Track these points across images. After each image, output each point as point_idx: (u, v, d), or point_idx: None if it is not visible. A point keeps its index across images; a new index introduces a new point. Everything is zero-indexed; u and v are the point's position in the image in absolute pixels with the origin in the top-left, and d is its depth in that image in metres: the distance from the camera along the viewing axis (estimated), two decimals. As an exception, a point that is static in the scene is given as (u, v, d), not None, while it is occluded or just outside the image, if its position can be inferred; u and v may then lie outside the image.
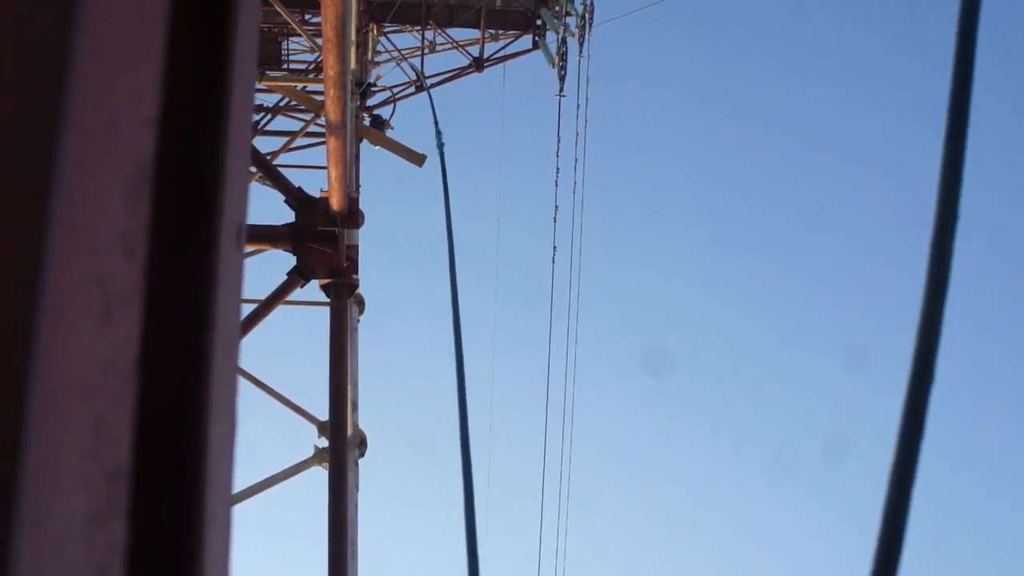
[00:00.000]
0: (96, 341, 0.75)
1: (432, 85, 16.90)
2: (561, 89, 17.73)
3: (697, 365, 40.60)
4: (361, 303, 10.44)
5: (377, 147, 13.22)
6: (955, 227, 1.88)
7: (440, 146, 11.70)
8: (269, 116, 15.77)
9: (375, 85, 15.99)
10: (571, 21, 17.84)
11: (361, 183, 12.79)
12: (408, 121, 16.04)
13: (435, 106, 13.18)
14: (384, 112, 15.67)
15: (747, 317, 38.62)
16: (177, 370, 0.99)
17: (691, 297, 39.87)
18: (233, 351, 1.21)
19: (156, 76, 0.88)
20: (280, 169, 10.17)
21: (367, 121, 14.69)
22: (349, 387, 9.20)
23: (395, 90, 16.54)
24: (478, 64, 17.32)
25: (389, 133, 14.49)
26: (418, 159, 13.69)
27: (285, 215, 8.63)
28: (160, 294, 0.97)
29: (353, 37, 11.15)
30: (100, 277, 0.75)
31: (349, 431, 9.25)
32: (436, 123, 12.38)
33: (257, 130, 15.46)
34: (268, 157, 12.41)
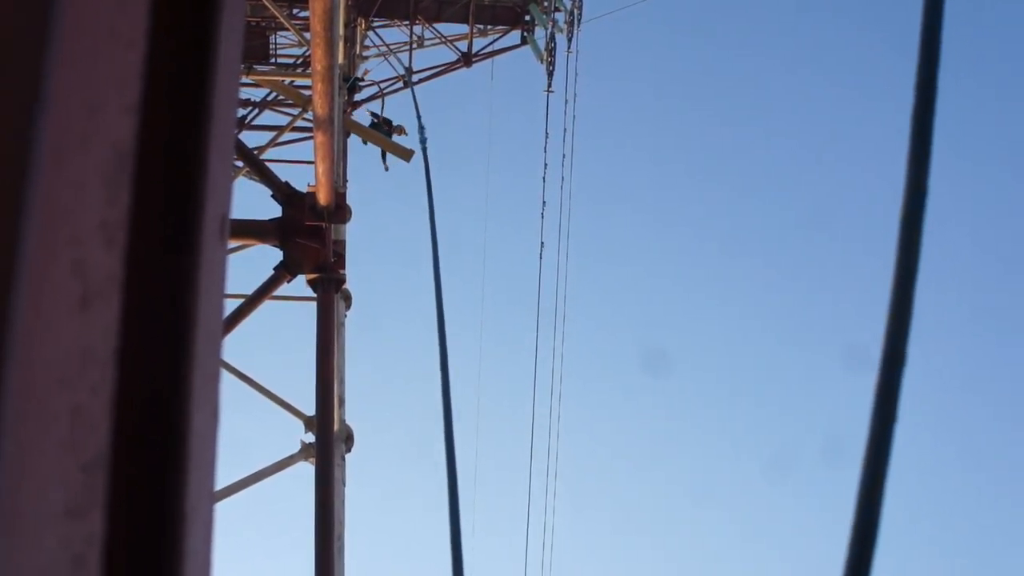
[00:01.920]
0: (74, 330, 0.74)
1: (420, 80, 16.88)
2: (549, 85, 17.73)
3: (695, 364, 40.53)
4: (348, 298, 10.43)
5: (366, 142, 13.22)
6: (923, 217, 1.90)
7: (423, 141, 11.72)
8: (256, 110, 15.73)
9: (363, 80, 15.96)
10: (560, 17, 17.84)
11: (348, 178, 12.78)
12: (396, 116, 16.01)
13: (422, 101, 13.19)
14: (372, 106, 15.66)
15: (746, 317, 38.57)
16: (158, 361, 0.98)
17: (687, 295, 39.78)
18: (216, 343, 1.20)
19: (138, 63, 0.87)
20: (267, 164, 10.15)
21: (369, 122, 14.68)
22: (336, 382, 9.18)
23: (383, 85, 16.52)
24: (466, 59, 17.30)
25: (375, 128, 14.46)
26: (406, 154, 13.68)
27: (272, 210, 8.61)
28: (141, 285, 0.96)
29: (341, 31, 11.13)
30: (78, 266, 0.74)
31: (336, 426, 9.24)
32: (419, 118, 12.39)
33: (244, 124, 15.42)
34: (255, 151, 12.38)
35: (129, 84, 0.84)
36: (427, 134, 12.10)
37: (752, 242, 38.05)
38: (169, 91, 1.07)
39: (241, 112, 15.74)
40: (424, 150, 11.52)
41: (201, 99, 1.12)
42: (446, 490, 5.46)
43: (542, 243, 18.01)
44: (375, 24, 17.11)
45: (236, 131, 1.48)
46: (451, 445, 5.76)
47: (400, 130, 14.98)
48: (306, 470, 9.11)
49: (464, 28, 17.36)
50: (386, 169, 15.26)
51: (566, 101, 17.82)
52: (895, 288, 1.87)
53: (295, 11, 15.35)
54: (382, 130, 14.81)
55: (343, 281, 8.97)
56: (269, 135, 15.01)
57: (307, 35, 10.85)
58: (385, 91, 16.24)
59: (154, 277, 1.00)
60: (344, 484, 9.54)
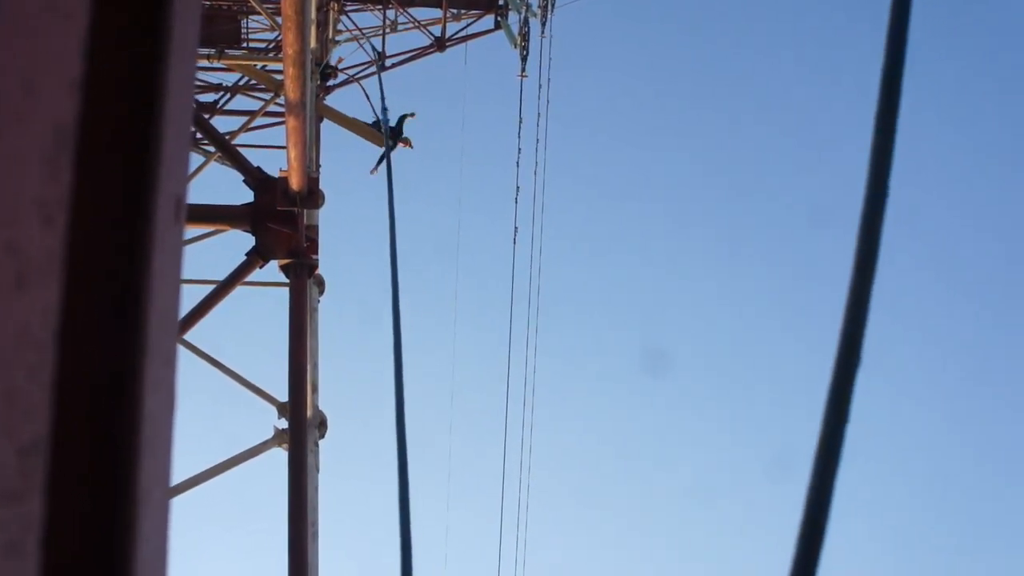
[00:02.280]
0: (7, 310, 0.72)
1: (393, 65, 16.82)
2: (523, 69, 17.69)
3: (692, 362, 40.23)
4: (321, 283, 10.40)
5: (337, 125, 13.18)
6: (882, 216, 1.90)
7: (385, 122, 11.76)
8: (228, 95, 15.64)
9: (336, 68, 15.88)
10: (533, 1, 17.80)
11: (322, 163, 12.74)
12: (369, 101, 15.94)
13: (395, 87, 13.22)
14: (342, 92, 15.60)
15: (745, 314, 38.27)
16: (108, 344, 0.96)
17: (684, 291, 39.42)
18: (171, 326, 1.18)
19: (79, 36, 0.85)
20: (239, 149, 10.10)
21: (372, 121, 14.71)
22: (309, 368, 9.15)
23: (356, 70, 16.45)
24: (440, 44, 17.23)
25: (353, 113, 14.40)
26: (379, 139, 13.64)
27: (244, 195, 8.57)
28: (89, 265, 0.94)
29: (313, 15, 11.07)
30: (11, 243, 0.72)
31: (309, 412, 9.21)
32: (383, 100, 12.42)
33: (216, 109, 15.34)
34: (227, 136, 12.31)
35: (69, 59, 0.82)
36: (389, 115, 12.18)
37: (751, 237, 37.80)
38: (119, 67, 1.05)
39: (212, 97, 15.65)
40: (385, 133, 11.58)
41: (154, 75, 1.09)
42: (397, 485, 5.42)
43: (516, 228, 18.02)
44: (348, 8, 17.03)
45: (194, 110, 1.45)
46: (402, 433, 5.73)
47: (407, 142, 15.02)
48: (280, 456, 9.08)
49: (437, 12, 17.29)
50: (373, 172, 15.22)
51: (540, 86, 17.80)
52: (853, 286, 1.86)
53: (267, -5, 15.26)
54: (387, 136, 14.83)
55: (316, 266, 8.94)
56: (241, 120, 14.93)
57: (279, 19, 10.79)
58: (358, 76, 16.18)
59: (103, 258, 0.98)
60: (318, 470, 9.52)
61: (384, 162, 15.11)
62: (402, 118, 15.24)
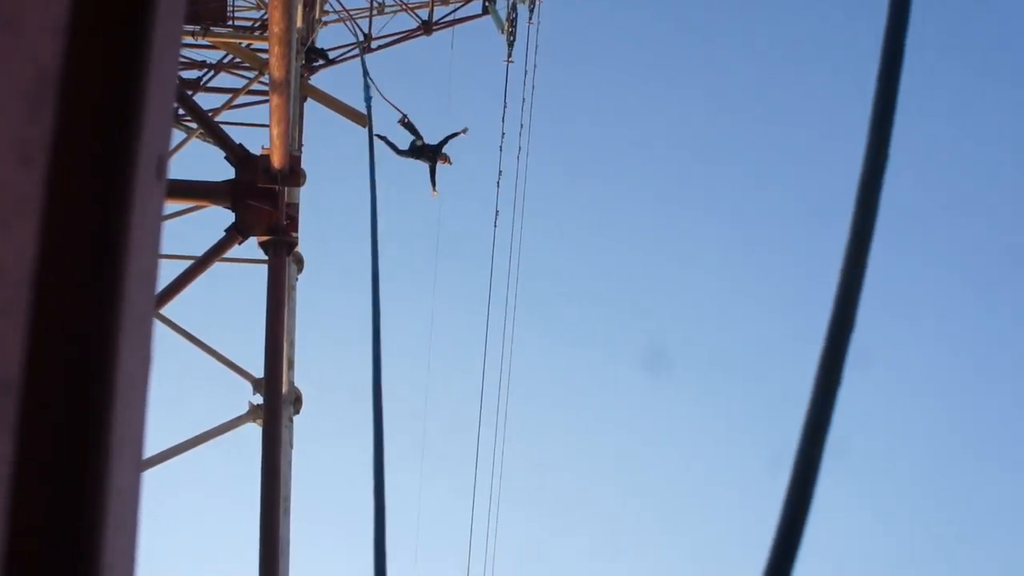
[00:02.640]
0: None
1: (380, 47, 16.79)
2: (509, 55, 17.67)
3: (692, 359, 40.03)
4: (300, 261, 10.39)
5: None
6: (877, 204, 1.90)
7: (367, 99, 11.81)
8: (212, 72, 15.57)
9: (327, 54, 15.82)
10: (521, -13, 17.77)
11: (304, 143, 12.70)
12: (356, 83, 15.91)
13: (381, 69, 13.23)
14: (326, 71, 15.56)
15: (746, 311, 38.12)
16: (85, 291, 0.97)
17: (683, 284, 39.21)
18: (149, 283, 1.18)
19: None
20: (222, 126, 10.07)
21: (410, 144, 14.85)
22: (286, 345, 9.15)
23: (342, 51, 16.40)
24: (427, 27, 17.18)
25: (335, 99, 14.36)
26: (362, 119, 13.63)
27: (225, 173, 8.56)
28: (68, 211, 0.94)
29: (300, -6, 11.03)
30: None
31: (284, 388, 9.21)
32: (366, 79, 12.44)
33: (200, 86, 15.27)
34: (210, 114, 12.27)
35: (53, 4, 0.82)
36: (373, 93, 12.26)
37: (749, 232, 37.62)
38: (105, 18, 1.05)
39: (197, 74, 15.58)
40: (369, 115, 11.61)
41: (142, 30, 1.09)
42: (372, 461, 5.42)
43: (497, 211, 18.04)
44: (335, -12, 16.96)
45: (177, 86, 1.45)
46: (379, 410, 5.73)
47: (445, 158, 15.14)
48: (254, 432, 9.07)
49: (426, -5, 17.25)
50: (434, 194, 15.34)
51: (526, 72, 17.79)
52: (842, 279, 1.85)
53: (254, -28, 15.20)
54: (425, 155, 14.99)
55: (295, 244, 8.93)
56: (224, 97, 14.86)
57: (265, -4, 10.75)
58: (343, 58, 16.14)
59: (82, 206, 0.98)
60: (292, 446, 9.52)
61: (373, 148, 15.20)
62: (452, 136, 15.37)
